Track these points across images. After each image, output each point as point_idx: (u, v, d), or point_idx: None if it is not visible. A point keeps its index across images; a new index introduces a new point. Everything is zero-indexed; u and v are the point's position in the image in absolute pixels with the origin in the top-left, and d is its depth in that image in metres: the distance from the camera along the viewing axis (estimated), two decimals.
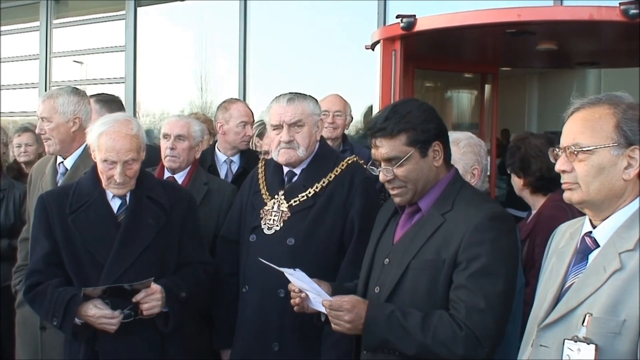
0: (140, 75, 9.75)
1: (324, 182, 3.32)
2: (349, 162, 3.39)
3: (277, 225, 3.32)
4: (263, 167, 3.59)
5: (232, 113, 4.85)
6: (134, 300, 3.07)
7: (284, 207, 3.33)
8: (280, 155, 3.38)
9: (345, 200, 3.28)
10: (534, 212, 3.83)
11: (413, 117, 2.57)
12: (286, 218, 3.31)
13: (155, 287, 3.11)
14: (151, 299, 3.09)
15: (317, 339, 3.16)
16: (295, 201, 3.32)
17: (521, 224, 3.88)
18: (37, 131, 3.91)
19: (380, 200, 3.49)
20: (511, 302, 2.51)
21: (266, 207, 3.41)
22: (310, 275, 2.73)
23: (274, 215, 3.35)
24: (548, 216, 3.53)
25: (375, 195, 3.28)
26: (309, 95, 3.46)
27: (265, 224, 3.36)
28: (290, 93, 3.41)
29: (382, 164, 2.61)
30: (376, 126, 2.60)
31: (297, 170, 3.42)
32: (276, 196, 3.39)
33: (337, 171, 3.35)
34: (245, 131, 4.80)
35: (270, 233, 3.33)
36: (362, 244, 3.06)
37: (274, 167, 3.49)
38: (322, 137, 3.51)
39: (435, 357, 2.42)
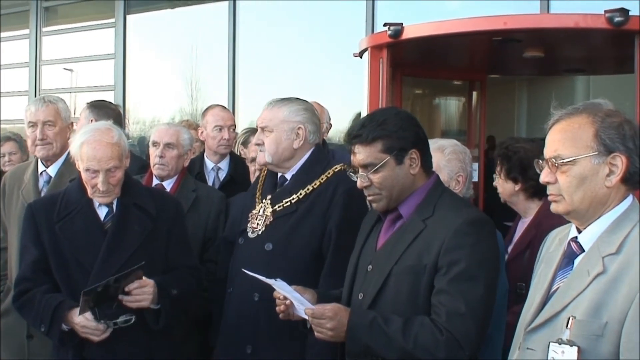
0: (130, 83, 9.75)
1: (307, 190, 3.30)
2: (336, 170, 3.35)
3: (260, 230, 3.32)
4: (265, 170, 3.61)
5: (208, 119, 4.87)
6: (126, 289, 3.05)
7: (268, 211, 3.33)
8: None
9: (326, 210, 3.24)
10: (525, 219, 3.77)
11: (389, 125, 2.61)
12: (268, 223, 3.31)
13: (147, 280, 3.11)
14: (143, 291, 3.09)
15: (291, 343, 3.16)
16: (279, 206, 3.31)
17: (512, 231, 3.85)
18: (38, 136, 3.90)
19: (366, 206, 3.49)
20: (492, 306, 2.53)
21: (254, 211, 3.42)
22: (286, 282, 2.75)
23: (259, 220, 3.36)
24: (551, 225, 3.47)
25: (357, 206, 3.23)
26: (298, 102, 3.42)
27: (250, 227, 3.38)
28: (280, 98, 3.42)
29: (359, 170, 2.66)
30: (353, 133, 2.65)
31: (288, 176, 3.41)
32: (264, 200, 3.41)
33: (322, 179, 3.31)
34: (222, 135, 4.79)
35: (253, 237, 3.34)
36: (339, 256, 3.09)
37: (271, 171, 3.50)
38: (318, 143, 3.46)
39: None
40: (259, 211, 3.37)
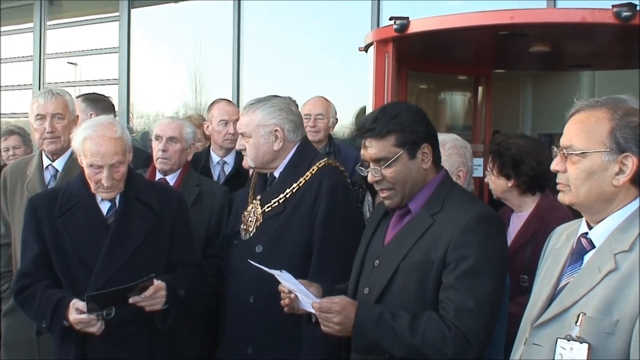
0: (134, 77, 9.74)
1: (294, 188, 3.27)
2: (320, 165, 3.31)
3: (251, 232, 3.32)
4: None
5: (213, 113, 4.88)
6: (142, 296, 3.03)
7: (258, 213, 3.32)
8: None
9: (312, 206, 3.20)
10: (520, 213, 3.76)
11: (402, 119, 2.59)
12: (259, 224, 3.31)
13: (160, 284, 3.09)
14: (156, 295, 3.07)
15: (291, 342, 3.16)
16: (268, 207, 3.30)
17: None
18: (47, 129, 3.85)
19: (354, 200, 3.45)
20: (500, 302, 2.52)
21: (245, 212, 3.41)
22: (277, 282, 2.73)
23: (250, 221, 3.35)
24: (559, 217, 3.45)
25: (342, 200, 3.22)
26: (272, 103, 3.36)
27: (243, 229, 3.37)
28: (254, 100, 3.39)
29: (371, 165, 2.63)
30: (365, 126, 2.62)
31: (277, 174, 3.38)
32: (254, 201, 3.39)
33: (307, 176, 3.28)
34: (227, 129, 4.79)
35: (245, 239, 3.34)
36: (326, 251, 3.10)
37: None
38: (303, 139, 3.43)
39: (425, 358, 2.42)
40: (250, 212, 3.37)
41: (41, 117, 3.87)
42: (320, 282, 2.90)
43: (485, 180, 3.87)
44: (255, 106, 3.35)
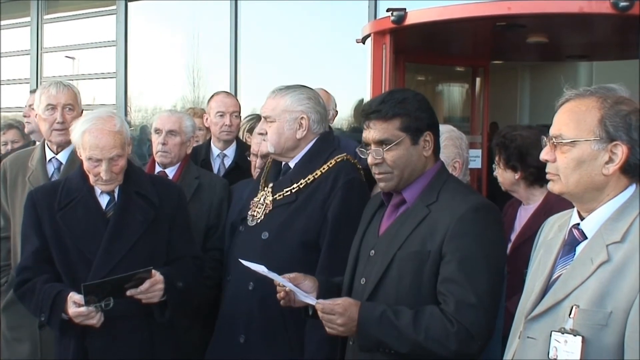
0: (132, 71, 9.72)
1: (308, 179, 3.25)
2: (338, 160, 3.29)
3: (259, 218, 3.31)
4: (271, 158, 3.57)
5: (211, 105, 4.92)
6: (140, 289, 3.03)
7: (269, 200, 3.31)
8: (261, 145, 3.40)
9: (325, 200, 3.19)
10: (528, 206, 3.75)
11: (408, 104, 2.61)
12: (268, 211, 3.29)
13: (158, 277, 3.09)
14: (154, 288, 3.08)
15: (285, 336, 3.15)
16: (279, 195, 3.28)
17: (510, 217, 3.82)
18: (58, 119, 3.83)
19: (368, 198, 3.44)
20: (499, 293, 2.53)
21: (255, 199, 3.40)
22: (281, 271, 2.73)
23: (259, 208, 3.34)
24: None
25: (357, 198, 3.18)
26: (301, 91, 3.36)
27: (251, 215, 3.36)
28: (282, 86, 3.38)
29: (372, 146, 2.63)
30: (371, 108, 2.63)
31: (292, 164, 3.37)
32: (266, 188, 3.38)
33: (323, 169, 3.26)
34: (224, 121, 4.81)
35: (252, 225, 3.32)
36: (335, 250, 3.08)
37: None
38: (325, 132, 3.42)
39: (429, 353, 2.43)
40: (260, 199, 3.35)
41: (52, 107, 3.86)
42: (328, 277, 2.90)
43: (494, 174, 3.85)
44: (284, 92, 3.33)
